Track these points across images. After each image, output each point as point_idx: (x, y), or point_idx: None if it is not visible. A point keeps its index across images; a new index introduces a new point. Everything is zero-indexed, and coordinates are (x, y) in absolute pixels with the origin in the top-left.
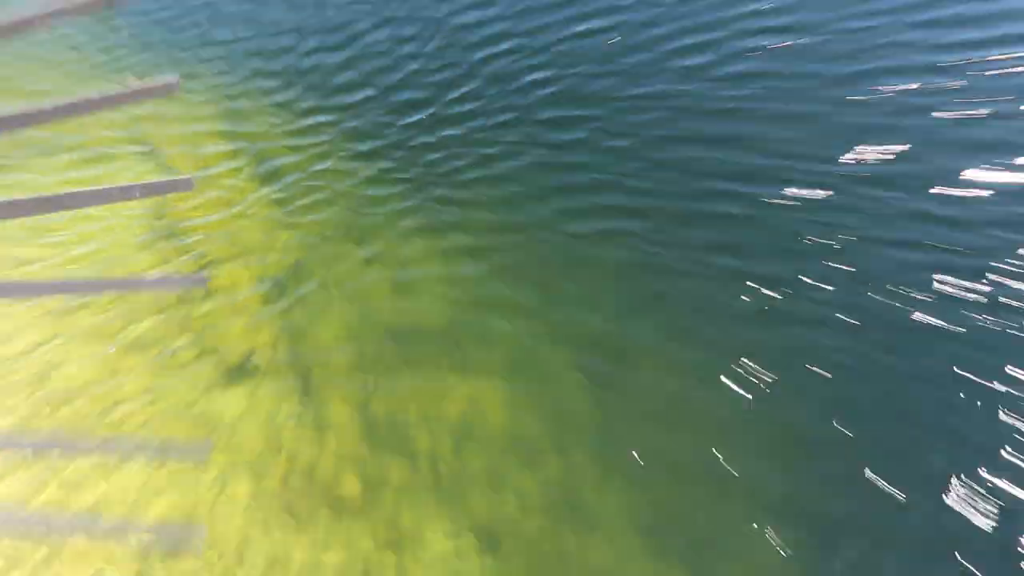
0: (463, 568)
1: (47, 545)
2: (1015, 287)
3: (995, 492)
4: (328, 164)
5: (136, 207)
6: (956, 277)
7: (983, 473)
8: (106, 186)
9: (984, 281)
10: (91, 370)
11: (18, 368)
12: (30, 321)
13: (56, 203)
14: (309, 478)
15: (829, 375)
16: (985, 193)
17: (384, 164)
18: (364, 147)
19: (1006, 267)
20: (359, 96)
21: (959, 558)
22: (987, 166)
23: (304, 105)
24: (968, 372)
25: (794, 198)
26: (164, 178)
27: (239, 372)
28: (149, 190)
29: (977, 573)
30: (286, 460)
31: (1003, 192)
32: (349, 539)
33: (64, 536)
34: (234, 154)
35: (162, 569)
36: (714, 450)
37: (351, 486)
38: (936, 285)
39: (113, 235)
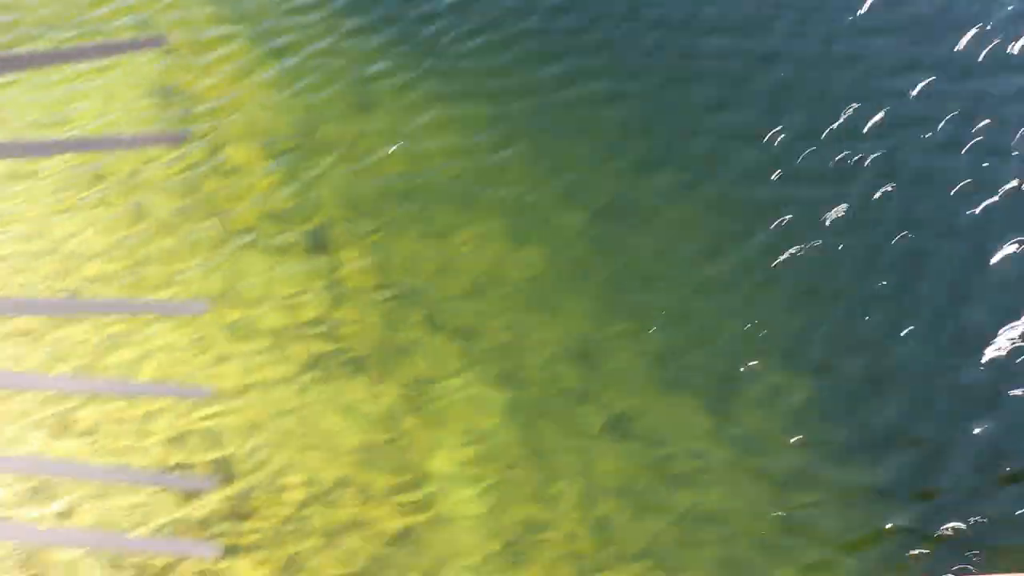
0: (484, 409)
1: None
2: None
3: None
4: (329, 41)
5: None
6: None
7: None
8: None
9: None
10: (102, 237)
11: (20, 235)
12: (32, 188)
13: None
14: (327, 337)
15: (848, 232)
16: None
17: (384, 37)
18: (363, 21)
19: None
20: None
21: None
22: None
23: None
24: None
25: (800, 51)
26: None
27: (252, 237)
28: (138, 142)
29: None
30: (302, 319)
31: None
32: (371, 394)
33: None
34: (231, 37)
35: (169, 417)
36: (733, 305)
37: (368, 342)
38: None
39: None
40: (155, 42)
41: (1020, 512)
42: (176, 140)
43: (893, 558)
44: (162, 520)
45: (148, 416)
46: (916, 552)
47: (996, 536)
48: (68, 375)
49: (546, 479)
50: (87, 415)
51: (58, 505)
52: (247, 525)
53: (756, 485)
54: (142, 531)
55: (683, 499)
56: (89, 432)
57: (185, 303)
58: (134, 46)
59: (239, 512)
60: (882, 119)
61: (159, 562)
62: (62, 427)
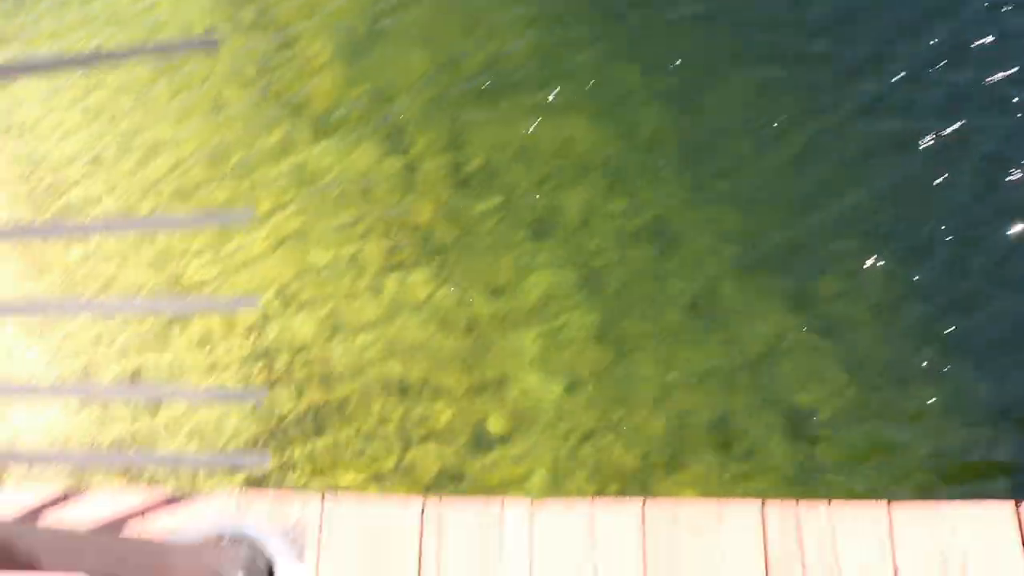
0: (560, 301)
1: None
2: None
3: None
4: None
5: None
6: None
7: None
8: None
9: None
10: (167, 129)
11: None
12: (72, 91)
13: None
14: (403, 226)
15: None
16: None
17: None
18: None
19: None
20: None
21: None
22: None
23: None
24: None
25: None
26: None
27: (324, 125)
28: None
29: None
30: (377, 206)
31: None
32: (446, 277)
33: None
34: None
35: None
36: (809, 175)
37: (446, 232)
38: None
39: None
40: None
41: None
42: (209, 45)
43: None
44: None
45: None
46: None
47: None
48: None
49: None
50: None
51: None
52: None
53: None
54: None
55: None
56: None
57: (231, 213)
58: None
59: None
60: None
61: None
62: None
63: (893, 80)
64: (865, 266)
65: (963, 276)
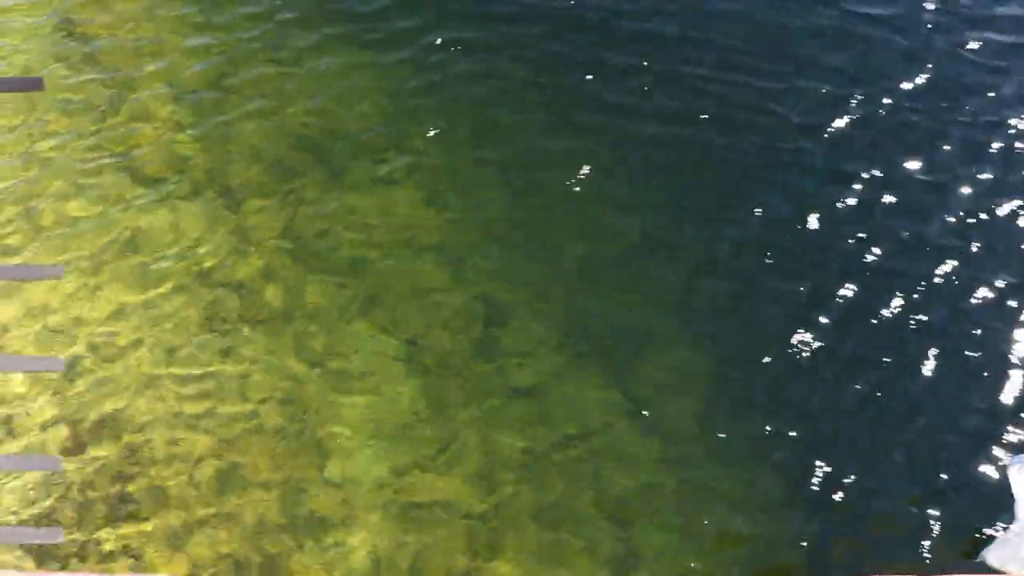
0: (388, 369)
1: None
2: None
3: None
4: None
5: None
6: None
7: None
8: None
9: None
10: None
11: None
12: None
13: None
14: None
15: None
16: None
17: None
18: None
19: None
20: None
21: None
22: None
23: None
24: None
25: None
26: None
27: (156, 185)
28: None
29: None
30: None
31: None
32: (270, 349)
33: None
34: None
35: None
36: None
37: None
38: None
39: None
40: None
41: None
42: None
43: None
44: None
45: None
46: None
47: None
48: None
49: None
50: None
51: None
52: None
53: None
54: None
55: None
56: None
57: (42, 267)
58: None
59: None
60: None
61: None
62: None
63: None
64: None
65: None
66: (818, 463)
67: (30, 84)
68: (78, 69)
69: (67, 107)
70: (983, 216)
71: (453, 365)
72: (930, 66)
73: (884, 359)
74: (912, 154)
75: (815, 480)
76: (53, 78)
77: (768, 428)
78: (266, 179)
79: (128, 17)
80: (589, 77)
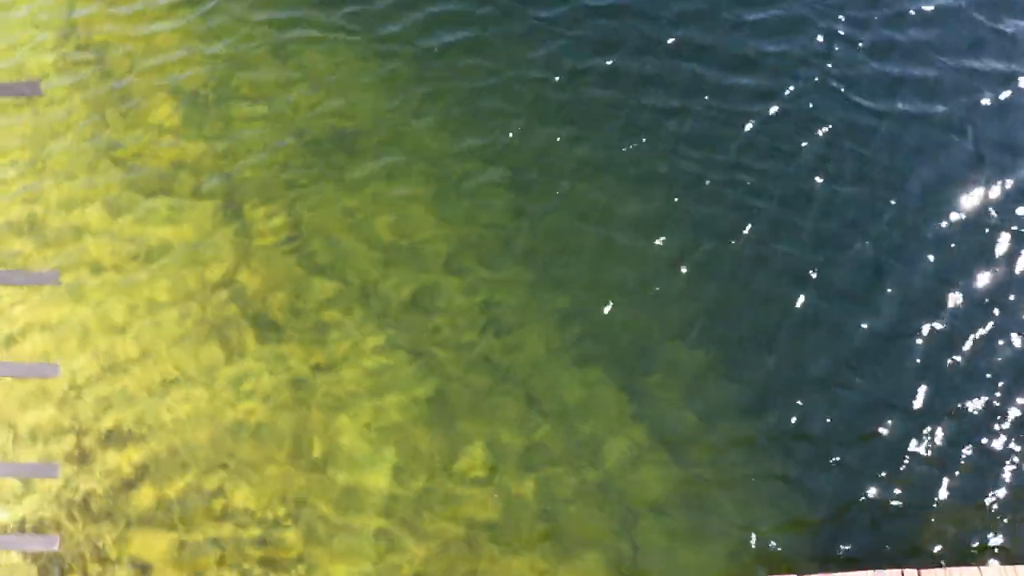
0: (390, 376)
1: None
2: None
3: None
4: None
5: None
6: None
7: None
8: None
9: None
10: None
11: None
12: None
13: None
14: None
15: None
16: None
17: None
18: None
19: None
20: None
21: None
22: None
23: None
24: None
25: None
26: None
27: (164, 191)
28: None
29: None
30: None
31: None
32: (279, 355)
33: None
34: None
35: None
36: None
37: (279, 304)
38: None
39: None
40: None
41: None
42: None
43: None
44: None
45: None
46: None
47: None
48: None
49: None
50: None
51: None
52: None
53: None
54: None
55: None
56: None
57: (39, 274)
58: None
59: None
60: None
61: None
62: None
63: None
64: None
65: None
66: (834, 458)
67: (28, 89)
68: (81, 73)
69: (70, 112)
70: None
71: (459, 369)
72: None
73: (885, 359)
74: None
75: (822, 478)
76: (55, 83)
77: (769, 428)
78: (270, 181)
79: (131, 22)
80: (593, 79)
